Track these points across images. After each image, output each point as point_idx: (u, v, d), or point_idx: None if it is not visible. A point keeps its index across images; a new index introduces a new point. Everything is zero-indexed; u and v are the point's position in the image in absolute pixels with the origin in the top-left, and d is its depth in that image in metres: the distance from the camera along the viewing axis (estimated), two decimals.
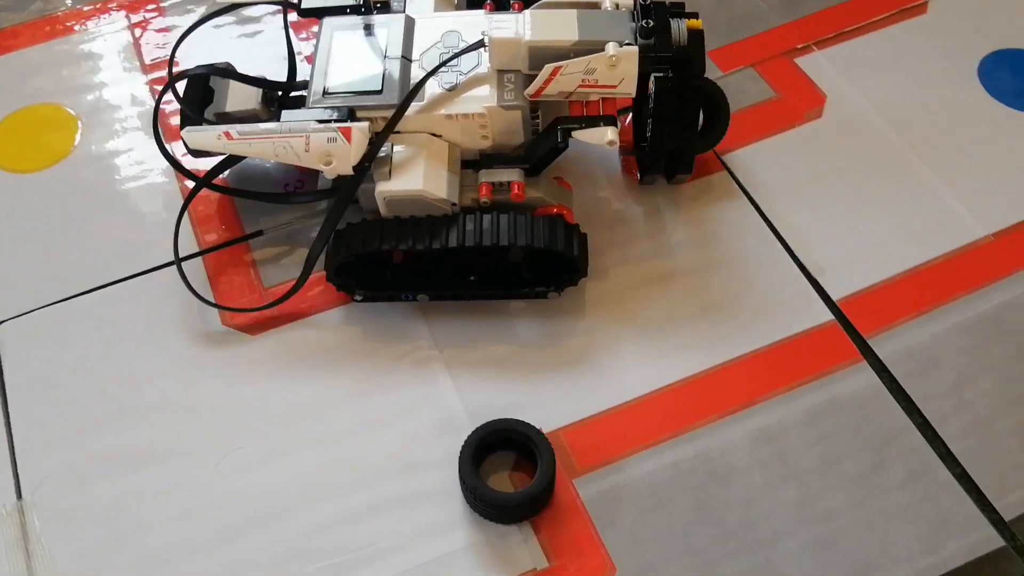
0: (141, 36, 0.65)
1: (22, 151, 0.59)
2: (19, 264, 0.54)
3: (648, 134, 0.50)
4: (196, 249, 0.54)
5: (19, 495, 0.46)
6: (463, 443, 0.45)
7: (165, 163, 0.56)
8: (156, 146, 0.52)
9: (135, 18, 0.66)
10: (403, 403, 0.48)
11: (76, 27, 0.66)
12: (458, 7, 0.56)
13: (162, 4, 0.66)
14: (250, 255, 0.53)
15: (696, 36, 0.48)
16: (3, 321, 0.51)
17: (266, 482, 0.46)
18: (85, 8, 0.67)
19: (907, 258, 0.51)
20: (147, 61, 0.63)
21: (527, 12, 0.49)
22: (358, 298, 0.52)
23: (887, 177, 0.54)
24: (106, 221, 0.56)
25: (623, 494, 0.45)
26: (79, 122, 0.60)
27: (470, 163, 0.51)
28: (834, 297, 0.50)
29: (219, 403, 0.48)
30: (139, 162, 0.58)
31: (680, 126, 0.50)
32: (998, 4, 0.62)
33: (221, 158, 0.53)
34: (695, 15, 0.49)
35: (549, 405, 0.47)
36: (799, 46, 0.60)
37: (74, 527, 0.45)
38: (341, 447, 0.47)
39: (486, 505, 0.44)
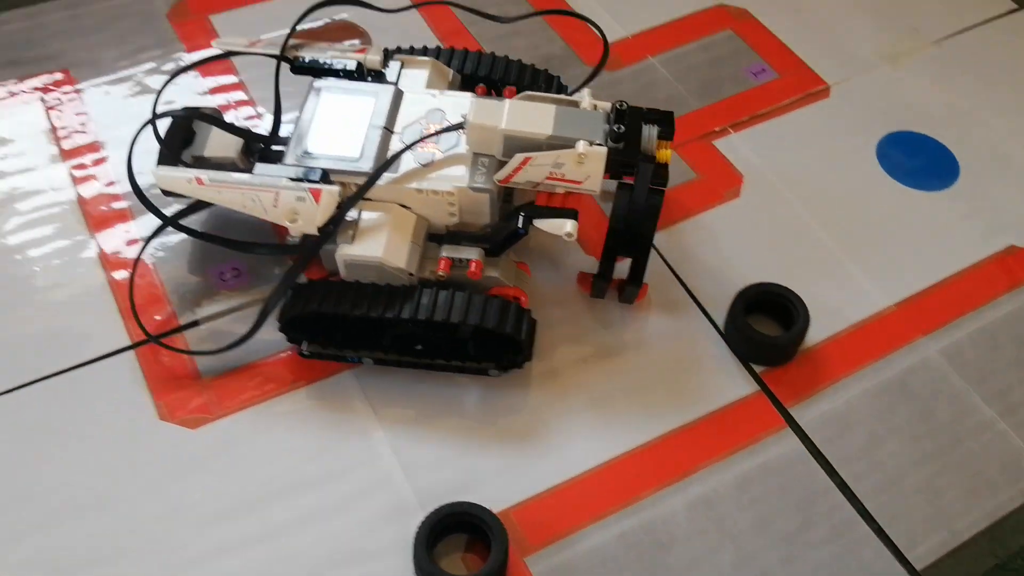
0: (58, 120, 0.69)
1: None
2: None
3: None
4: (128, 341, 0.58)
5: None
6: (417, 528, 0.51)
7: (91, 252, 0.61)
8: (128, 181, 0.56)
9: (50, 100, 0.70)
10: (349, 489, 0.54)
11: None
12: (451, 85, 0.62)
13: (78, 86, 0.71)
14: (186, 345, 0.59)
15: (661, 169, 0.54)
16: None
17: None
18: None
19: (820, 329, 0.61)
20: (65, 147, 0.67)
21: (507, 101, 0.55)
22: (305, 352, 0.58)
23: (799, 252, 0.65)
24: (29, 315, 0.59)
25: (574, 569, 0.52)
26: None
27: (435, 236, 0.57)
28: (758, 370, 0.60)
29: (161, 500, 0.53)
30: (61, 252, 0.62)
31: (635, 236, 0.56)
32: (892, 90, 0.75)
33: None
34: (668, 132, 0.55)
35: (497, 484, 0.54)
36: (716, 128, 0.71)
37: None
38: (290, 538, 0.52)
39: None
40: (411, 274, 0.55)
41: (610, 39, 0.75)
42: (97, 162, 0.67)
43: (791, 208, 0.67)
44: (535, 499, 0.54)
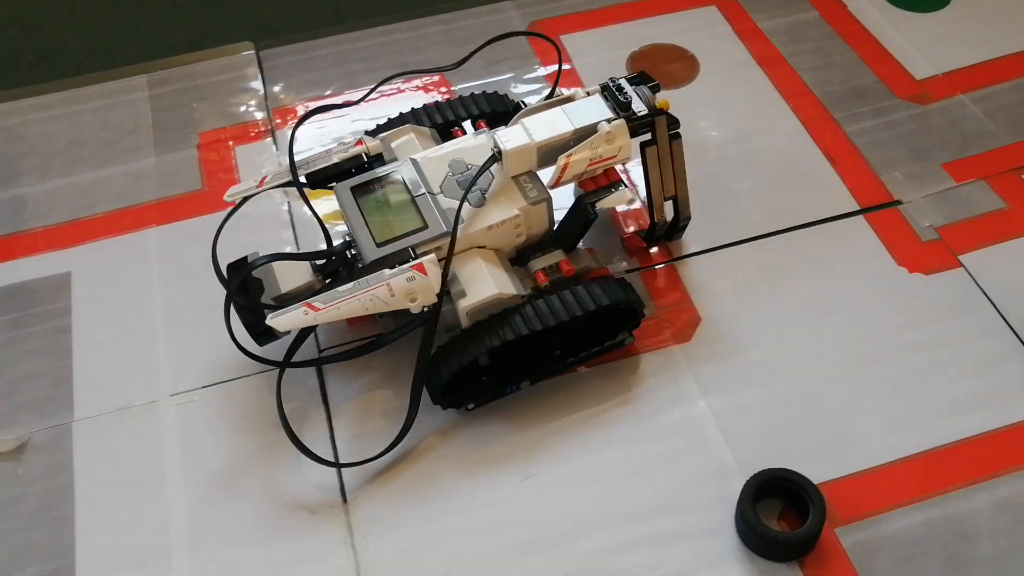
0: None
1: None
2: None
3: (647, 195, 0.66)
4: None
5: (344, 499, 0.61)
6: (744, 485, 0.58)
7: None
8: (239, 350, 0.60)
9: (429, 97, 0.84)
10: (675, 450, 0.62)
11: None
12: (435, 139, 0.67)
13: (452, 88, 0.85)
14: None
15: (670, 116, 0.64)
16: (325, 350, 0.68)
17: (556, 506, 0.60)
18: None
19: None
20: None
21: (521, 121, 0.62)
22: (471, 407, 0.62)
23: None
24: None
25: (880, 545, 0.57)
26: None
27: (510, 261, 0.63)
28: None
29: (515, 437, 0.63)
30: None
31: (670, 175, 0.65)
32: None
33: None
34: (655, 83, 0.64)
35: (813, 460, 0.60)
36: None
37: (391, 532, 0.59)
38: (622, 484, 0.60)
39: (762, 539, 0.57)
40: (523, 296, 0.61)
41: (919, 76, 0.81)
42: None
43: None
44: (845, 479, 0.60)
